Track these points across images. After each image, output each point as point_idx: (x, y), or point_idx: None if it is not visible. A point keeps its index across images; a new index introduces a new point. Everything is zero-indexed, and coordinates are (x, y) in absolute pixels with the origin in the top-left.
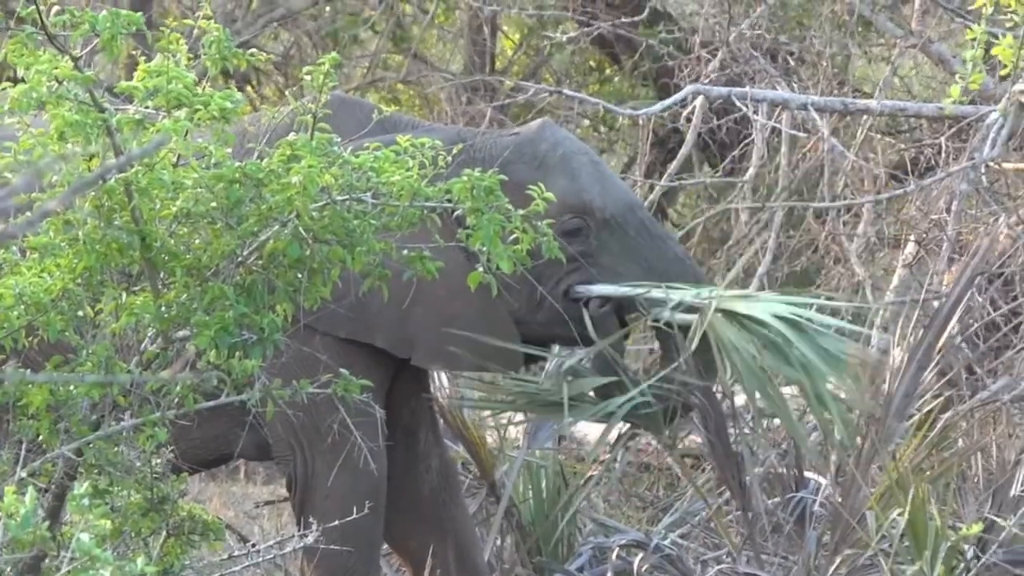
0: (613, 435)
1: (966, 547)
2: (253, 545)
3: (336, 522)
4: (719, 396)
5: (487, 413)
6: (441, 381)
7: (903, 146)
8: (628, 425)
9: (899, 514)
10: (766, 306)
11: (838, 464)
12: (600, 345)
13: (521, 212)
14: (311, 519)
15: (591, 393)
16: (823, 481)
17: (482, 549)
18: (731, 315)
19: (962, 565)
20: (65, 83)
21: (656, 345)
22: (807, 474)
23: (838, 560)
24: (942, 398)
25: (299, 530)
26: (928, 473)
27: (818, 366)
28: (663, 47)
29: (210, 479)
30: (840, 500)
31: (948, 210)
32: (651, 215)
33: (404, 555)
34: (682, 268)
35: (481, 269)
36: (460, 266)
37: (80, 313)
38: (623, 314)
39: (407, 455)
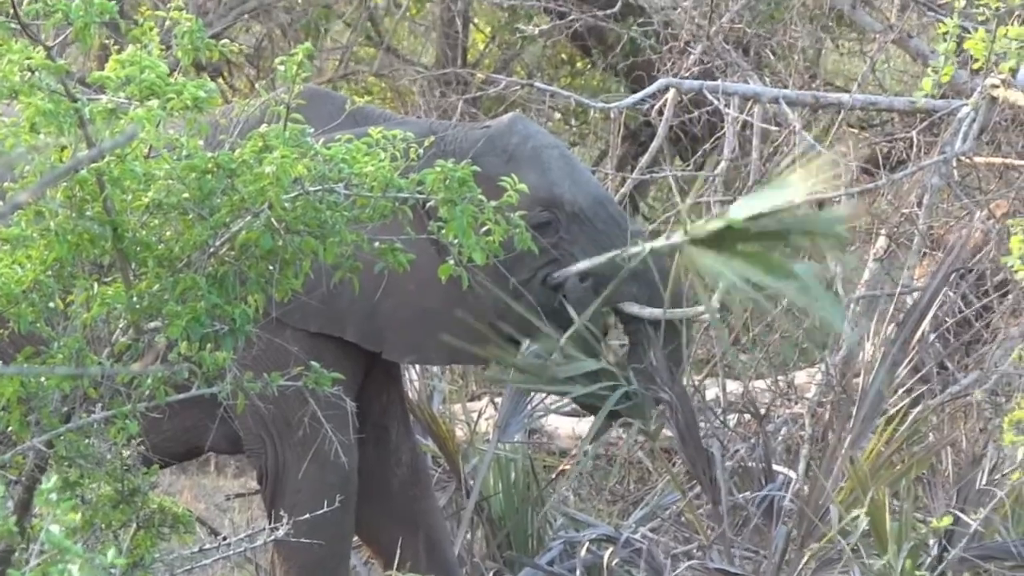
0: (585, 428)
1: (932, 541)
2: (224, 538)
3: (306, 515)
4: (689, 390)
5: (457, 406)
6: (411, 375)
7: (875, 140)
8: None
9: (860, 513)
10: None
11: (808, 458)
12: (579, 323)
13: (494, 204)
14: (281, 512)
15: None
16: (793, 475)
17: (452, 543)
18: (703, 242)
19: (929, 560)
20: (37, 72)
21: (624, 340)
22: (777, 468)
23: (807, 555)
24: (914, 394)
25: (270, 523)
26: (898, 468)
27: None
28: (643, 40)
29: (181, 472)
30: (806, 495)
31: (919, 204)
32: (621, 209)
33: (374, 548)
34: (659, 261)
35: (452, 261)
36: (431, 259)
37: (51, 304)
38: (601, 293)
39: (377, 449)
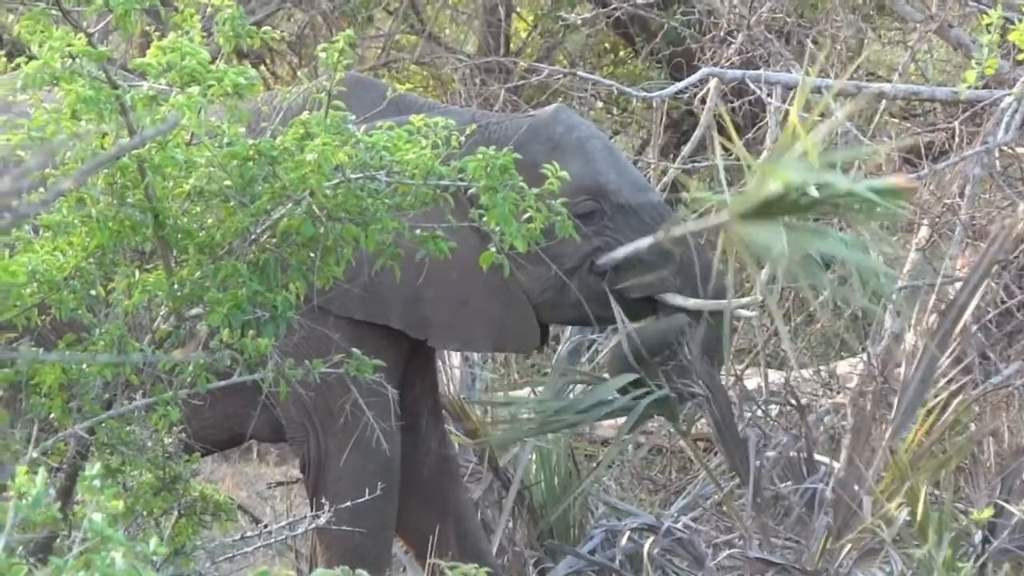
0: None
1: (974, 532)
2: (265, 526)
3: (348, 503)
4: (729, 380)
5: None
6: (452, 363)
7: (917, 130)
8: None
9: (900, 503)
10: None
11: (849, 448)
12: (623, 331)
13: (535, 191)
14: (323, 500)
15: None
16: (835, 466)
17: (483, 532)
18: (750, 216)
19: (971, 550)
20: (79, 59)
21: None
22: (819, 458)
23: (848, 546)
24: (956, 384)
25: (312, 511)
26: (939, 458)
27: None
28: (684, 29)
29: (222, 459)
30: (843, 484)
31: (961, 194)
32: (664, 201)
33: (406, 537)
34: (701, 254)
35: (494, 249)
36: (473, 247)
37: (93, 292)
38: (653, 301)
39: (408, 438)
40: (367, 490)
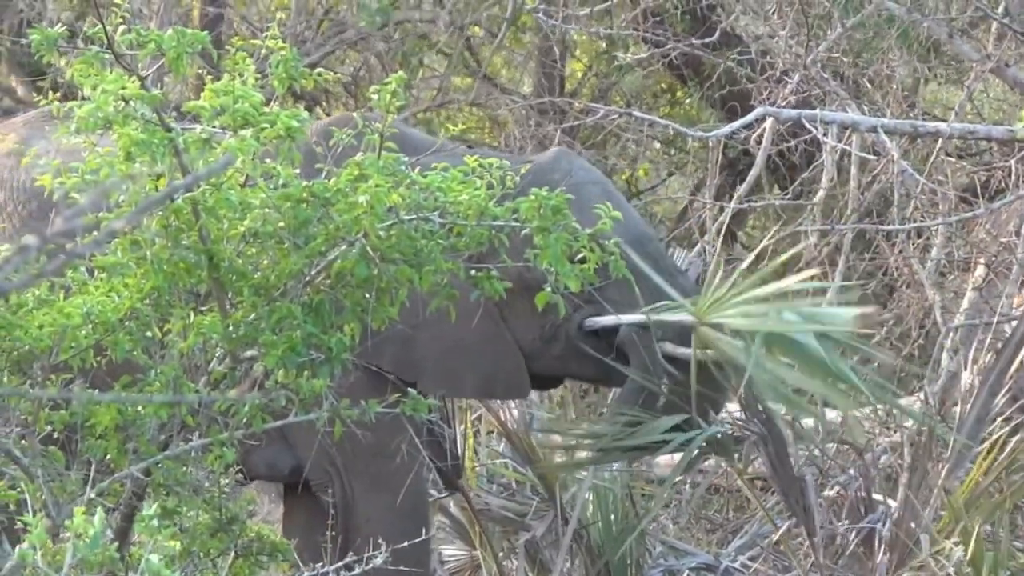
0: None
1: None
2: (320, 566)
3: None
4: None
5: (558, 439)
6: (511, 411)
7: (973, 169)
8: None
9: (955, 543)
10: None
11: (906, 487)
12: (632, 373)
13: (588, 231)
14: (357, 542)
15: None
16: (893, 504)
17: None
18: (717, 326)
19: None
20: (132, 102)
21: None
22: (876, 497)
23: None
24: (1013, 423)
25: (337, 553)
26: (996, 497)
27: (825, 335)
28: (740, 69)
29: (279, 500)
30: (901, 523)
31: (1018, 233)
32: (662, 247)
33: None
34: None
35: (549, 289)
36: (467, 291)
37: (148, 333)
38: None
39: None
40: (402, 528)
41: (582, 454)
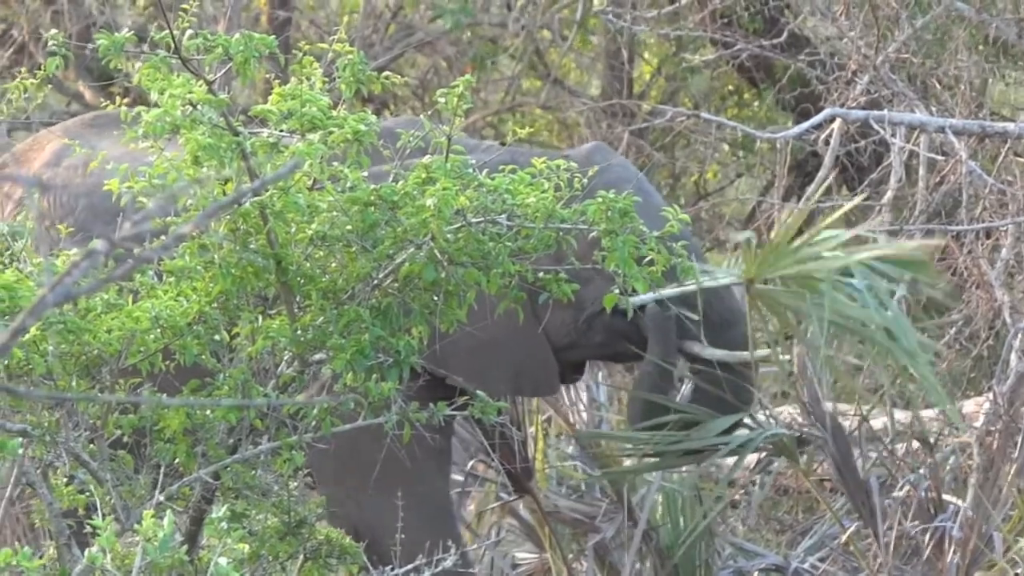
0: (751, 460)
1: None
2: (391, 569)
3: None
4: (857, 420)
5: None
6: (579, 406)
7: None
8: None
9: None
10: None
11: (976, 488)
12: (652, 355)
13: (656, 234)
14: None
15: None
16: (963, 505)
17: None
18: (770, 281)
19: None
20: (199, 107)
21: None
22: (946, 498)
23: None
24: None
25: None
26: None
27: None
28: (810, 70)
29: None
30: (971, 523)
31: None
32: (697, 244)
33: None
34: (722, 300)
35: (617, 291)
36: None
37: (216, 337)
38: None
39: None
40: (432, 534)
41: (627, 461)
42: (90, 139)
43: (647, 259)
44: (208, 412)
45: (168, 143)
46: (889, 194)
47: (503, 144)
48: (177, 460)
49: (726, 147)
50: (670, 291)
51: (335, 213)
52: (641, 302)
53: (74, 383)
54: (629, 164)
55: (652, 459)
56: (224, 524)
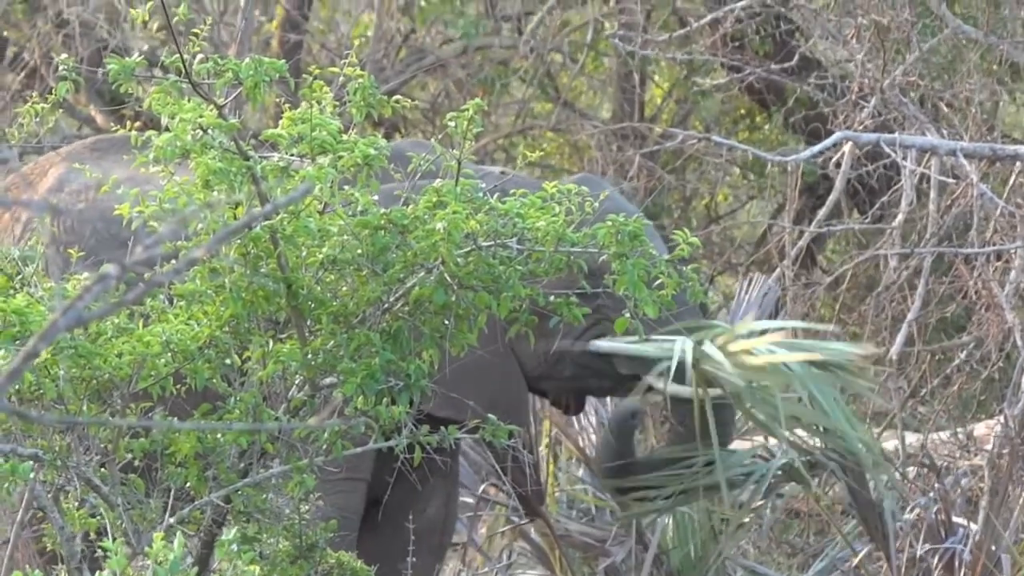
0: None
1: None
2: None
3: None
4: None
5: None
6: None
7: None
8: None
9: None
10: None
11: (987, 510)
12: (636, 392)
13: (666, 258)
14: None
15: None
16: (973, 527)
17: None
18: (712, 361)
19: None
20: (209, 131)
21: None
22: (957, 520)
23: None
24: None
25: None
26: None
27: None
28: (818, 93)
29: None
30: (982, 545)
31: None
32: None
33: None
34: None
35: (628, 315)
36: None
37: (227, 361)
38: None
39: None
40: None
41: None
42: (91, 163)
43: (656, 282)
44: (219, 436)
45: (178, 167)
46: (900, 217)
47: (502, 173)
48: (188, 484)
49: (737, 170)
50: (634, 346)
51: (346, 237)
52: (603, 349)
53: (85, 407)
54: (617, 194)
55: (672, 498)
56: (235, 547)
